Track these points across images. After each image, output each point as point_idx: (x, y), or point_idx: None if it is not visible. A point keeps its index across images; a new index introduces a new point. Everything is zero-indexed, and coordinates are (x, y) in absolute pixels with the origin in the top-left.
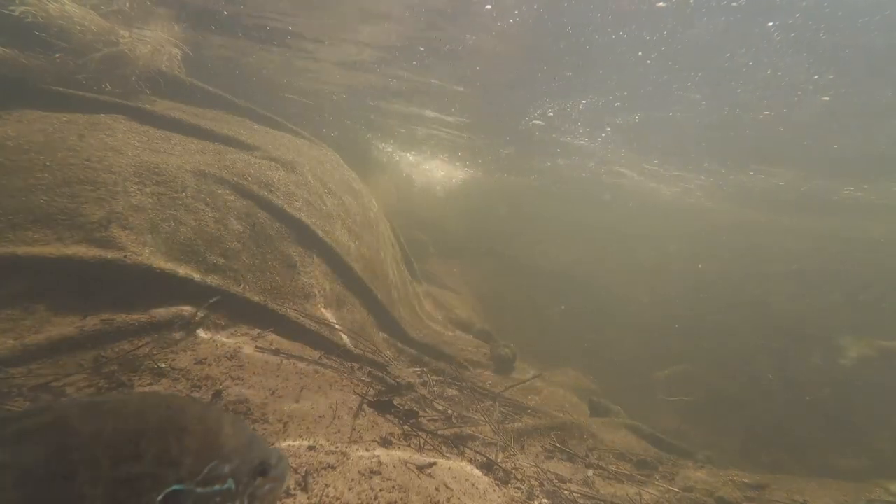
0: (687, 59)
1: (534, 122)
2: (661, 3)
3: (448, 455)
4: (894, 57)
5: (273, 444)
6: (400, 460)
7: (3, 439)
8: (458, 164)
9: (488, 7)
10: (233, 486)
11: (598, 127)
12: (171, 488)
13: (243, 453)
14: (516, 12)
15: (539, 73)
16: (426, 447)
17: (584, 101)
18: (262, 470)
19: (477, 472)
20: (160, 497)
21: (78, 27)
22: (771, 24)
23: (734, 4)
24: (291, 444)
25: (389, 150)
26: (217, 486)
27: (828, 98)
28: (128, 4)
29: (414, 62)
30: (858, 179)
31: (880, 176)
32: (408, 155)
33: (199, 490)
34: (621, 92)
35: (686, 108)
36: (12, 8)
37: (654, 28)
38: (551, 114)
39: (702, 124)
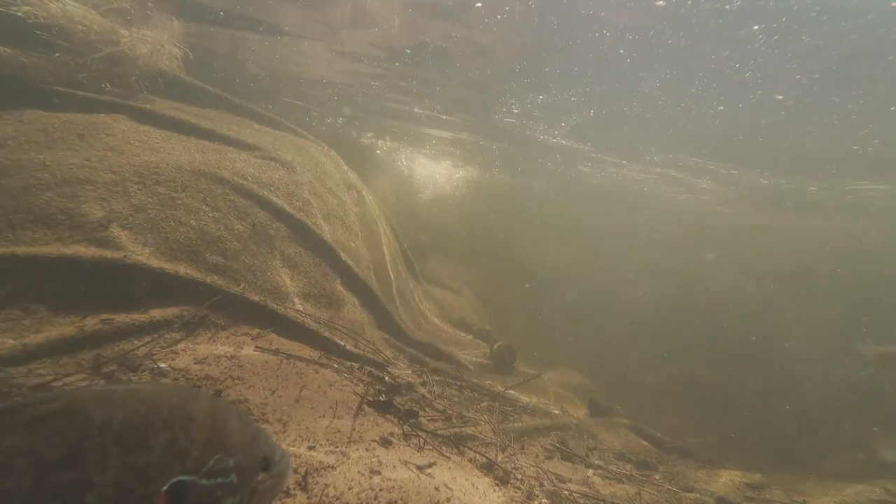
0: (671, 58)
1: (506, 119)
2: (660, 2)
3: (448, 455)
4: (872, 57)
5: None
6: (400, 460)
7: (16, 425)
8: (458, 164)
9: (479, 4)
10: (235, 480)
11: (576, 124)
12: (177, 478)
13: (248, 447)
14: (507, 8)
15: (518, 68)
16: (426, 447)
17: (541, 97)
18: (265, 465)
19: (477, 471)
20: (166, 487)
21: (79, 26)
22: (756, 27)
23: (727, 7)
24: (291, 443)
25: (390, 149)
26: (220, 479)
27: (781, 97)
28: (128, 3)
29: (396, 63)
30: (822, 179)
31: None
32: (408, 155)
33: (203, 482)
34: (595, 88)
35: (671, 107)
36: (14, 8)
37: (640, 28)
38: (516, 110)
39: (689, 121)
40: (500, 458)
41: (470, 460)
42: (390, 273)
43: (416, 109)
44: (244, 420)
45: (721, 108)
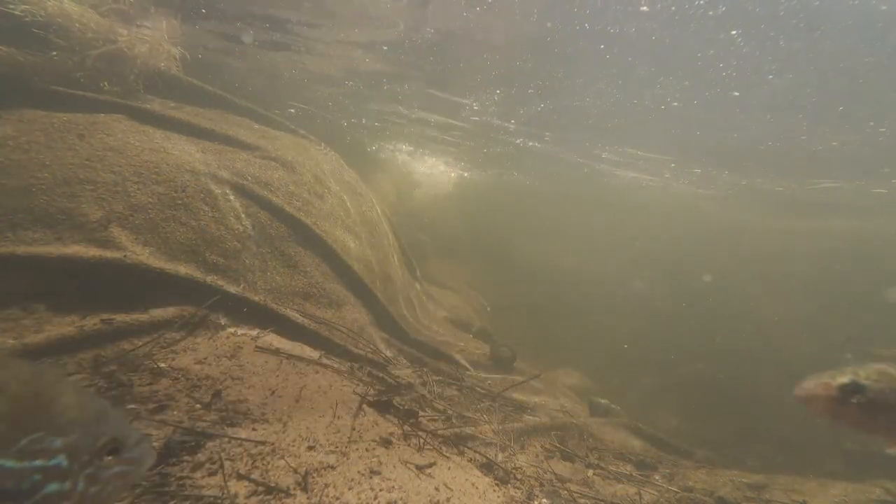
0: (656, 56)
1: (472, 118)
2: (644, 8)
3: (448, 455)
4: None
5: (273, 444)
6: (400, 460)
7: None
8: (458, 164)
9: None
10: (64, 463)
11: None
12: None
13: (86, 427)
14: None
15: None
16: (426, 447)
17: (497, 93)
18: (112, 449)
19: (477, 471)
20: None
21: (77, 25)
22: (734, 32)
23: (710, 13)
24: (291, 443)
25: (389, 149)
26: (38, 462)
27: (738, 93)
28: (127, 2)
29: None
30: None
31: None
32: (407, 154)
33: (10, 464)
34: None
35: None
36: (12, 6)
37: (624, 24)
38: (475, 107)
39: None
40: (500, 458)
41: (470, 460)
42: (390, 273)
43: (413, 107)
44: (84, 396)
45: (675, 103)
